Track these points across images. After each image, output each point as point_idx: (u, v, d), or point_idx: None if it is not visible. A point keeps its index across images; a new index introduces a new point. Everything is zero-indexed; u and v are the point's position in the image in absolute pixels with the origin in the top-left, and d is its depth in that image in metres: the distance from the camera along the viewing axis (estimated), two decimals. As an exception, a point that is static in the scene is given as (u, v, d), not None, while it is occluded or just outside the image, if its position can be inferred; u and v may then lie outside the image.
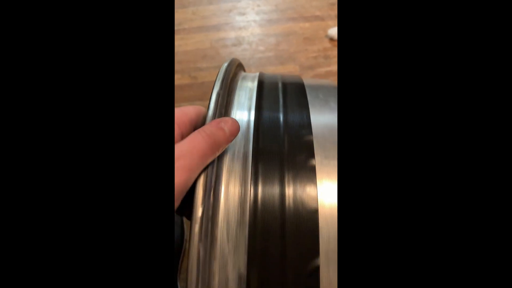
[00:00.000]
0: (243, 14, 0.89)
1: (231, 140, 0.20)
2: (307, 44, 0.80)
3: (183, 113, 0.22)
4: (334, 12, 0.86)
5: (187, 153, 0.18)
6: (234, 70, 0.27)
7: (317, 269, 0.18)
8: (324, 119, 0.23)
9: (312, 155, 0.20)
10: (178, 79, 0.74)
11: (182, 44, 0.82)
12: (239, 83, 0.26)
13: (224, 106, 0.23)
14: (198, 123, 0.22)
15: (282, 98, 0.25)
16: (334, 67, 0.75)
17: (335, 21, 0.84)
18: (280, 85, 0.26)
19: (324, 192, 0.19)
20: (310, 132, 0.21)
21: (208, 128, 0.19)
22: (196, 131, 0.19)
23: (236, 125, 0.20)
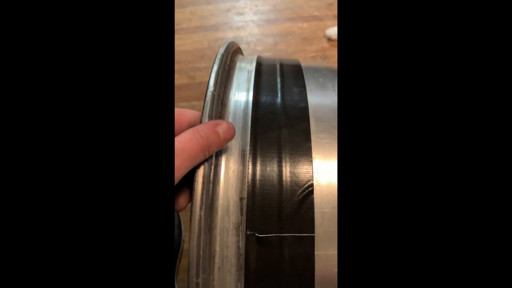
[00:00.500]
0: (241, 14, 0.89)
1: (224, 145, 0.20)
2: (305, 44, 0.80)
3: (182, 114, 0.21)
4: (332, 12, 0.86)
5: (178, 153, 0.18)
6: (233, 52, 0.27)
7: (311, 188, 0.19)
8: (320, 99, 0.24)
9: (308, 135, 0.21)
10: (176, 79, 0.74)
11: (180, 44, 0.82)
12: (237, 64, 0.27)
13: (224, 85, 0.23)
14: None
15: (280, 78, 0.25)
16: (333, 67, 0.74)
17: (333, 21, 0.84)
18: (278, 66, 0.27)
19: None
20: (307, 110, 0.22)
21: (203, 130, 0.19)
22: (190, 130, 0.19)
23: (231, 131, 0.20)
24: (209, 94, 0.21)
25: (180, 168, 0.18)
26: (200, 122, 0.20)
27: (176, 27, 0.85)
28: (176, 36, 0.82)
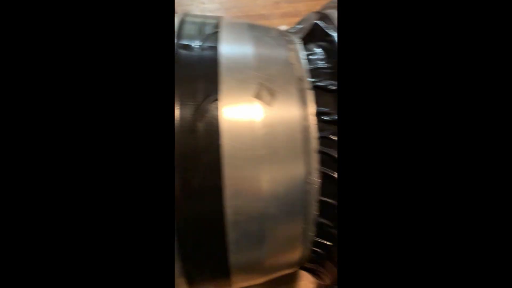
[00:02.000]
0: (187, 11, 0.87)
1: None
2: (255, 43, 0.81)
3: None
4: (279, 10, 0.88)
5: None
6: None
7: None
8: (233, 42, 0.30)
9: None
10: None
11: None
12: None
13: None
14: None
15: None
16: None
17: (279, 20, 0.86)
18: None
19: None
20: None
21: None
22: None
23: None
24: None
25: None
26: None
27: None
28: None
